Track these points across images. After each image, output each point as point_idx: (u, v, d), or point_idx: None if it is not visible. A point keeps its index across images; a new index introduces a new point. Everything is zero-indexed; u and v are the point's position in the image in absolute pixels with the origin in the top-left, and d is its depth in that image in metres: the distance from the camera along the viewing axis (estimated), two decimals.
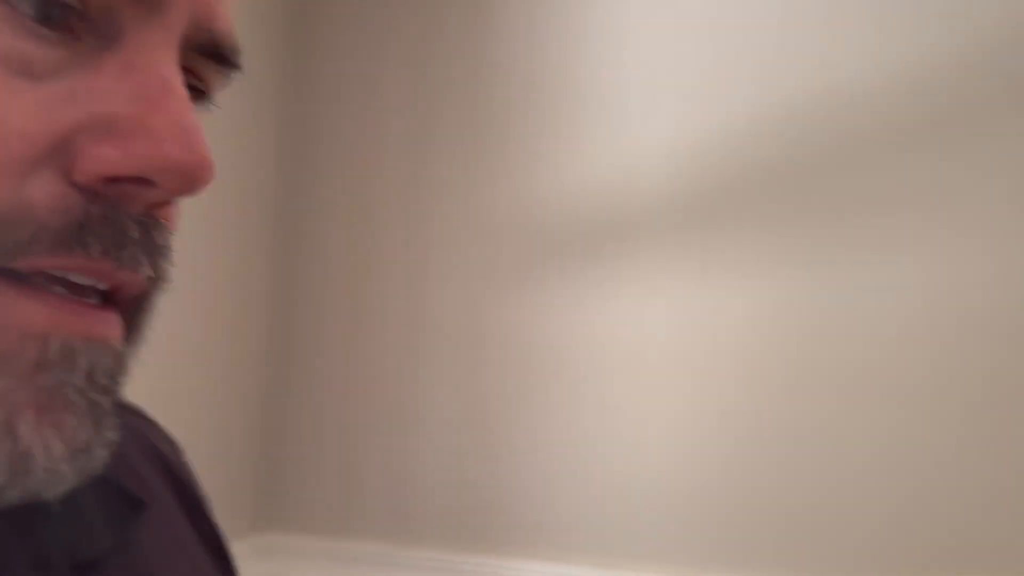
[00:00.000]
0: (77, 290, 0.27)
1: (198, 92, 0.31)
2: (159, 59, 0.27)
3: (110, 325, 0.28)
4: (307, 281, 1.60)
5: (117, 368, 0.28)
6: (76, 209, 0.26)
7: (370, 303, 1.56)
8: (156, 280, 0.29)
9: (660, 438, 1.38)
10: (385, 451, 1.52)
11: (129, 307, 0.29)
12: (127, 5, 0.27)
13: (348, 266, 1.58)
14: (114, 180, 0.26)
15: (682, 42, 1.41)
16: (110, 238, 0.26)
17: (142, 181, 0.27)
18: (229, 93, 0.33)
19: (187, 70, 0.30)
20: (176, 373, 1.37)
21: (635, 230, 1.42)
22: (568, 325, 1.44)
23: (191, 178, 0.27)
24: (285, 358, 1.60)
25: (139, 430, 0.43)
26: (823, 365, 1.30)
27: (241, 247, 1.53)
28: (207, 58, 0.30)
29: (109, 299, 0.28)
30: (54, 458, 0.26)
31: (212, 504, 0.46)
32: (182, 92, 0.27)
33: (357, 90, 1.59)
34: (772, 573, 1.30)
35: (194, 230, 1.41)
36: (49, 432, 0.26)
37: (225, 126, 1.43)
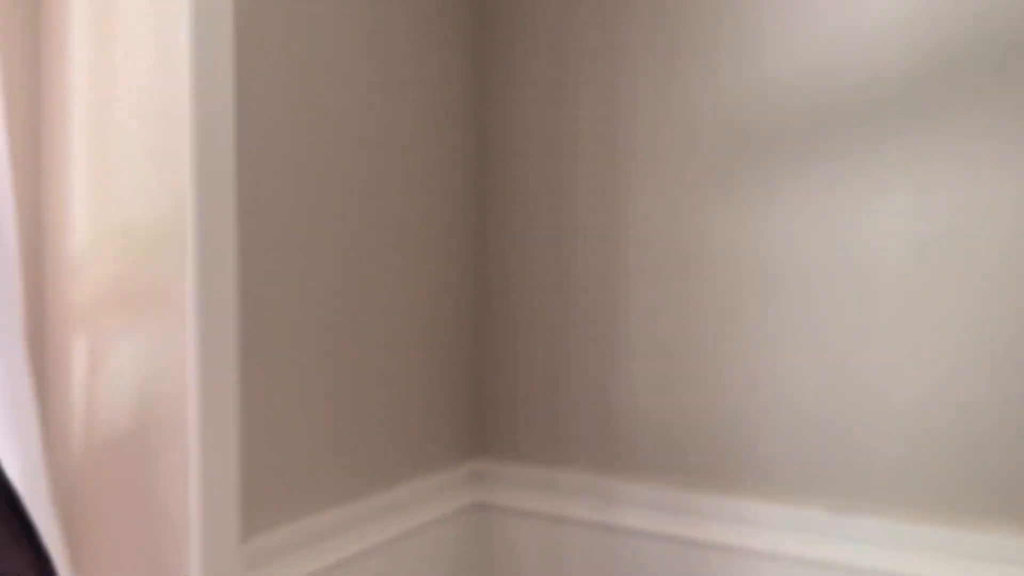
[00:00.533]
0: None
1: None
2: None
3: None
4: (509, 208, 1.57)
5: None
6: None
7: (571, 227, 1.51)
8: None
9: (904, 365, 1.25)
10: (593, 379, 1.49)
11: None
12: None
13: (547, 188, 1.53)
14: None
15: None
16: None
17: None
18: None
19: None
20: (390, 310, 1.42)
21: (865, 115, 1.25)
22: (785, 234, 1.32)
23: None
24: (492, 289, 1.59)
25: None
26: None
27: (443, 178, 1.55)
28: None
29: None
30: None
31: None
32: None
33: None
34: None
35: (400, 160, 1.45)
36: None
37: (422, 41, 1.47)
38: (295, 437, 1.25)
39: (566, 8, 1.52)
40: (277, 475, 1.22)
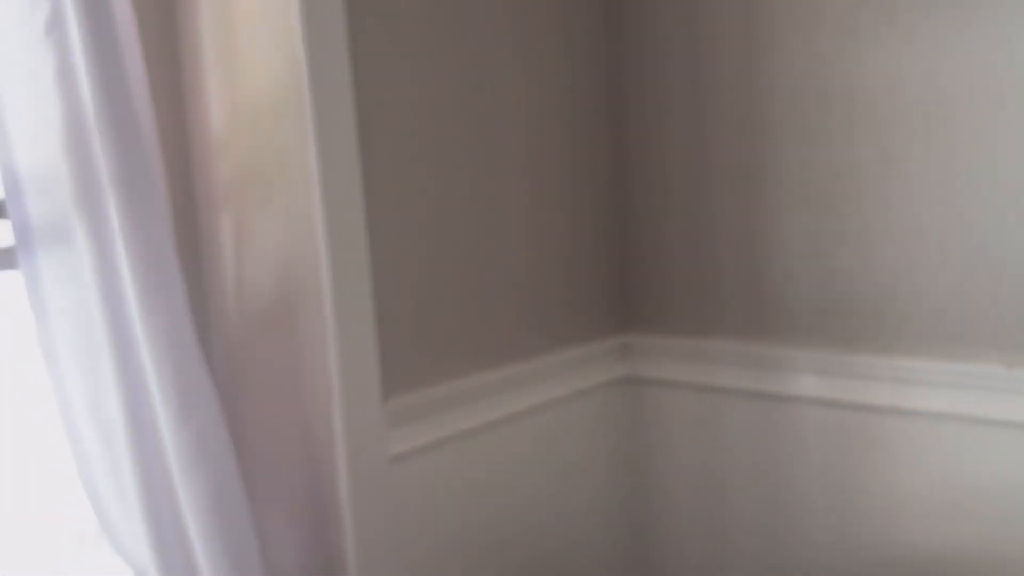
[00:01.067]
0: None
1: None
2: None
3: None
4: (646, 63, 1.48)
5: None
6: None
7: (711, 82, 1.41)
8: None
9: None
10: (742, 241, 1.42)
11: None
12: None
13: (685, 39, 1.43)
14: None
15: None
16: None
17: None
18: None
19: None
20: (528, 179, 1.42)
21: None
22: (949, 67, 1.18)
23: None
24: (632, 153, 1.53)
25: None
26: None
27: (581, 31, 1.50)
28: None
29: None
30: None
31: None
32: None
33: None
34: None
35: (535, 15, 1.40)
36: None
37: None
38: (432, 302, 1.28)
39: None
40: (417, 339, 1.25)
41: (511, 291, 1.39)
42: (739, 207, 1.42)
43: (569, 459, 1.49)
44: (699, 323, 1.50)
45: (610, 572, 1.57)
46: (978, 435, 1.21)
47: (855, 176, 1.30)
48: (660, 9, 1.47)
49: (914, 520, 1.29)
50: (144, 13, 1.14)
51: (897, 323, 1.28)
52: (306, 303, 1.15)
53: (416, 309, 1.26)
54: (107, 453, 1.08)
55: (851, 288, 1.32)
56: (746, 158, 1.40)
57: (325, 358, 1.14)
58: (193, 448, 1.04)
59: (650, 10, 1.48)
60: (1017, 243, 1.17)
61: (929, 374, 1.25)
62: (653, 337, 1.56)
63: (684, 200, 1.49)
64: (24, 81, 1.02)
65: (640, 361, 1.57)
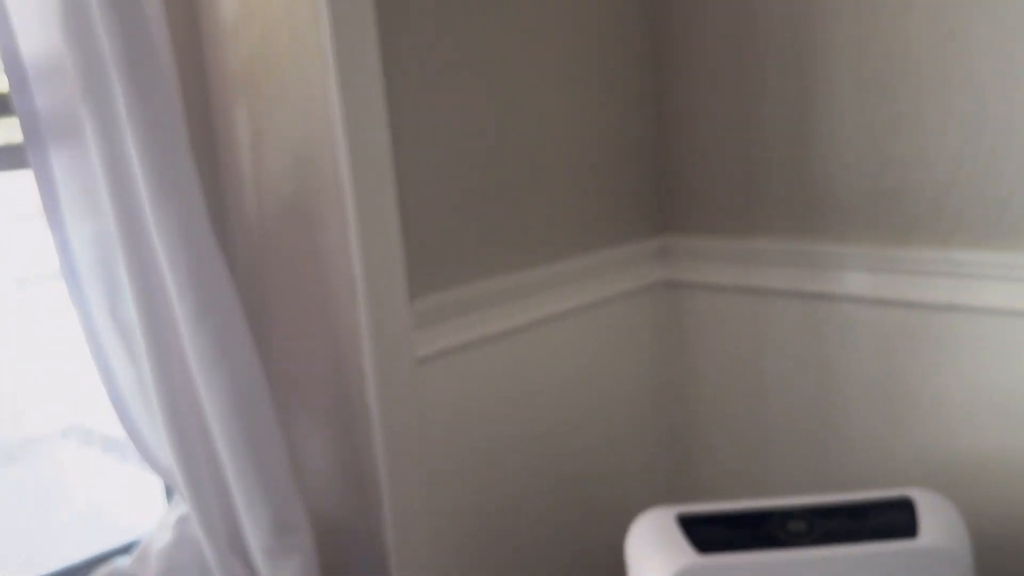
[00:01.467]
0: None
1: None
2: None
3: None
4: None
5: None
6: None
7: None
8: None
9: None
10: (789, 133, 1.34)
11: None
12: None
13: None
14: None
15: None
16: None
17: None
18: None
19: None
20: (573, 77, 1.36)
21: None
22: None
23: None
24: (674, 47, 1.44)
25: None
26: None
27: None
28: None
29: None
30: None
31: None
32: None
33: None
34: None
35: None
36: None
37: None
38: (461, 199, 1.22)
39: None
40: (445, 237, 1.20)
41: (544, 188, 1.33)
42: (786, 93, 1.33)
43: (604, 364, 1.44)
44: (742, 221, 1.43)
45: (645, 476, 1.54)
46: None
47: (912, 56, 1.20)
48: None
49: (968, 423, 1.22)
50: None
51: (955, 214, 1.20)
52: (327, 198, 1.10)
53: (444, 206, 1.20)
54: (126, 353, 1.05)
55: (906, 178, 1.24)
56: (793, 38, 1.30)
57: (348, 255, 1.09)
58: (212, 346, 1.00)
59: None
60: None
61: (989, 267, 1.16)
62: (693, 238, 1.49)
63: (727, 87, 1.40)
64: None
65: (679, 263, 1.50)
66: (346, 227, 1.08)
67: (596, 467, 1.44)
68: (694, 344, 1.52)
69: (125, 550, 1.20)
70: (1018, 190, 1.14)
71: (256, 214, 1.17)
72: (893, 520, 1.01)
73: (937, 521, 1.01)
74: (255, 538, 1.07)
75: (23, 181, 1.08)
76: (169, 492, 1.24)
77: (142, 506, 1.35)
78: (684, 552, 1.00)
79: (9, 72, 0.99)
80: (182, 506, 1.14)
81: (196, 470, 1.06)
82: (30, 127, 1.01)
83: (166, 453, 1.07)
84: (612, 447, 1.47)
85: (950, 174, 1.20)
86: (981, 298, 1.18)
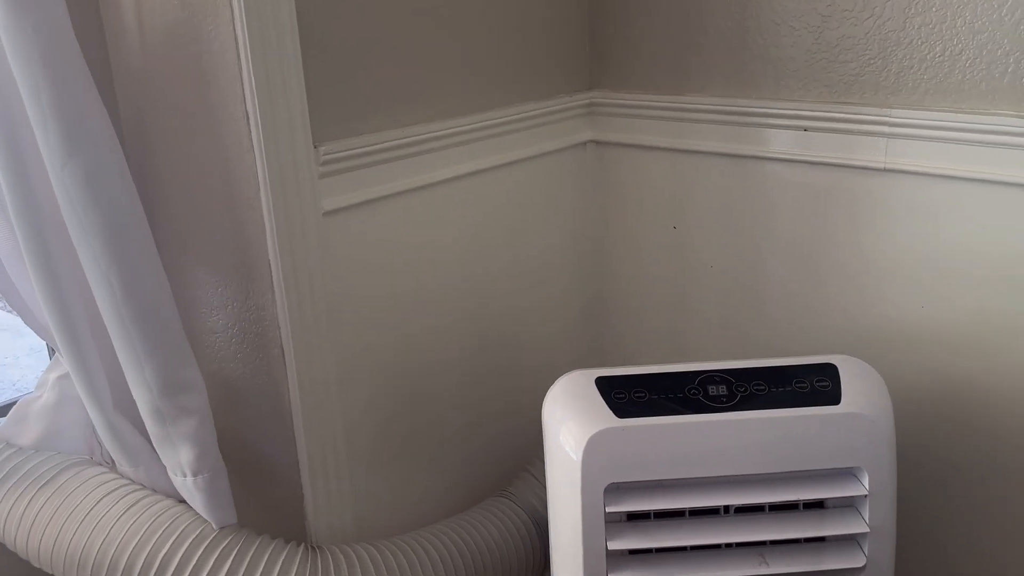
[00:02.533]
0: None
1: None
2: None
3: None
4: None
5: None
6: None
7: None
8: None
9: None
10: None
11: None
12: None
13: None
14: None
15: None
16: None
17: None
18: None
19: None
20: None
21: None
22: None
23: None
24: None
25: None
26: None
27: None
28: None
29: None
30: None
31: None
32: None
33: None
34: None
35: None
36: None
37: None
38: (376, 35, 1.09)
39: None
40: (355, 76, 1.08)
41: (465, 33, 1.21)
42: None
43: (526, 225, 1.37)
44: (675, 78, 1.34)
45: (567, 340, 1.50)
46: (986, 198, 1.10)
47: None
48: None
49: (896, 290, 1.20)
50: None
51: (899, 71, 1.13)
52: (217, 27, 0.96)
53: (354, 38, 1.07)
54: None
55: (851, 32, 1.16)
56: None
57: (241, 91, 0.97)
58: (84, 185, 0.88)
59: None
60: None
61: (930, 129, 1.11)
62: (624, 94, 1.39)
63: None
64: None
65: (608, 122, 1.42)
66: (238, 59, 0.96)
67: (516, 329, 1.39)
68: (620, 205, 1.45)
69: (1, 412, 1.11)
70: (968, 47, 1.08)
71: (138, 46, 1.03)
72: (815, 386, 0.99)
73: (859, 387, 0.98)
74: (143, 399, 0.99)
75: None
76: (51, 351, 1.14)
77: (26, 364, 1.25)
78: (601, 416, 0.96)
79: None
80: (64, 364, 1.05)
81: (73, 326, 0.96)
82: None
83: (40, 308, 0.97)
84: (534, 309, 1.41)
85: (898, 28, 1.12)
86: (919, 161, 1.13)
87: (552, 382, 1.02)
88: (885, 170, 1.16)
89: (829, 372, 1.00)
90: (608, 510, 0.94)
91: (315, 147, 1.03)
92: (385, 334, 1.18)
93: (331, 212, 1.06)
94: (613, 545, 0.95)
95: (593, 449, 0.94)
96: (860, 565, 0.97)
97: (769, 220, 1.29)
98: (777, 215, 1.28)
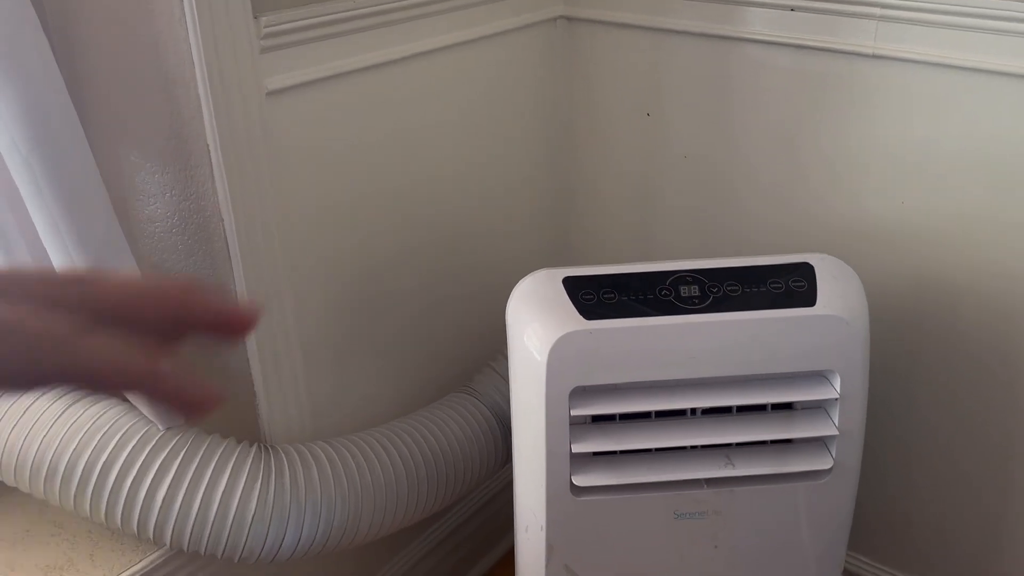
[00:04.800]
0: None
1: None
2: None
3: None
4: None
5: None
6: None
7: None
8: None
9: None
10: None
11: None
12: None
13: None
14: None
15: None
16: None
17: None
18: None
19: None
20: None
21: None
22: None
23: None
24: None
25: None
26: None
27: None
28: None
29: None
30: None
31: None
32: None
33: None
34: None
35: None
36: None
37: None
38: None
39: None
40: None
41: None
42: None
43: (492, 107, 1.28)
44: None
45: (534, 233, 1.44)
46: (982, 89, 1.04)
47: None
48: None
49: (880, 184, 1.15)
50: None
51: None
52: None
53: None
54: None
55: None
56: None
57: None
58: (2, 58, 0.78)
59: None
60: None
61: (928, 11, 1.04)
62: None
63: None
64: None
65: None
66: None
67: (480, 221, 1.33)
68: (592, 89, 1.36)
69: None
70: None
71: None
72: (791, 286, 0.95)
73: (836, 288, 0.94)
74: None
75: None
76: None
77: None
78: (568, 317, 0.91)
79: None
80: None
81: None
82: None
83: None
84: (498, 200, 1.35)
85: None
86: (911, 47, 1.06)
87: (518, 278, 0.97)
88: (874, 56, 1.09)
89: (805, 272, 0.96)
90: (573, 413, 0.91)
91: (255, 17, 0.93)
92: (340, 227, 1.11)
93: (276, 92, 0.97)
94: (577, 448, 0.92)
95: (558, 352, 0.90)
96: (827, 467, 0.95)
97: (749, 108, 1.22)
98: (757, 103, 1.21)
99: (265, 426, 1.08)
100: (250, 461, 1.02)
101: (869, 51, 1.09)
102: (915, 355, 1.20)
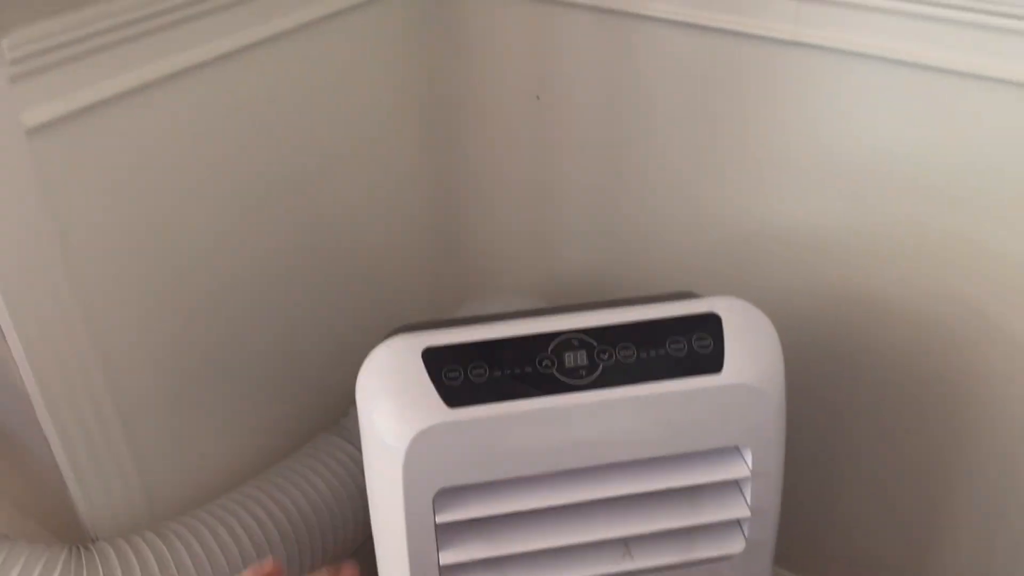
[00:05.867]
0: None
1: None
2: None
3: None
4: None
5: None
6: None
7: None
8: None
9: None
10: None
11: None
12: None
13: None
14: None
15: None
16: None
17: None
18: None
19: None
20: None
21: None
22: None
23: None
24: None
25: None
26: None
27: None
28: None
29: None
30: None
31: None
32: None
33: None
34: None
35: None
36: None
37: None
38: None
39: None
40: None
41: None
42: None
43: (343, 102, 1.07)
44: None
45: (409, 239, 1.26)
46: (917, 85, 0.88)
47: None
48: None
49: (804, 190, 1.00)
50: None
51: None
52: None
53: None
54: None
55: None
56: None
57: None
58: None
59: None
60: None
61: None
62: None
63: None
64: None
65: None
66: None
67: (345, 233, 1.14)
68: (470, 70, 1.16)
69: None
70: None
71: None
72: (694, 346, 0.79)
73: (746, 345, 0.79)
74: None
75: None
76: None
77: None
78: (429, 404, 0.74)
79: None
80: None
81: None
82: None
83: None
84: (366, 205, 1.15)
85: None
86: (836, 34, 0.89)
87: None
88: (794, 42, 0.92)
89: (711, 326, 0.81)
90: (439, 520, 0.76)
91: None
92: (153, 266, 0.91)
93: (38, 129, 0.75)
94: (447, 558, 0.77)
95: (418, 450, 0.74)
96: (739, 550, 0.83)
97: (650, 95, 1.04)
98: (660, 90, 1.03)
99: (87, 520, 0.90)
100: (58, 570, 0.84)
101: (788, 36, 0.92)
102: (835, 377, 1.08)
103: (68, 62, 0.75)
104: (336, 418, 1.14)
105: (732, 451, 0.81)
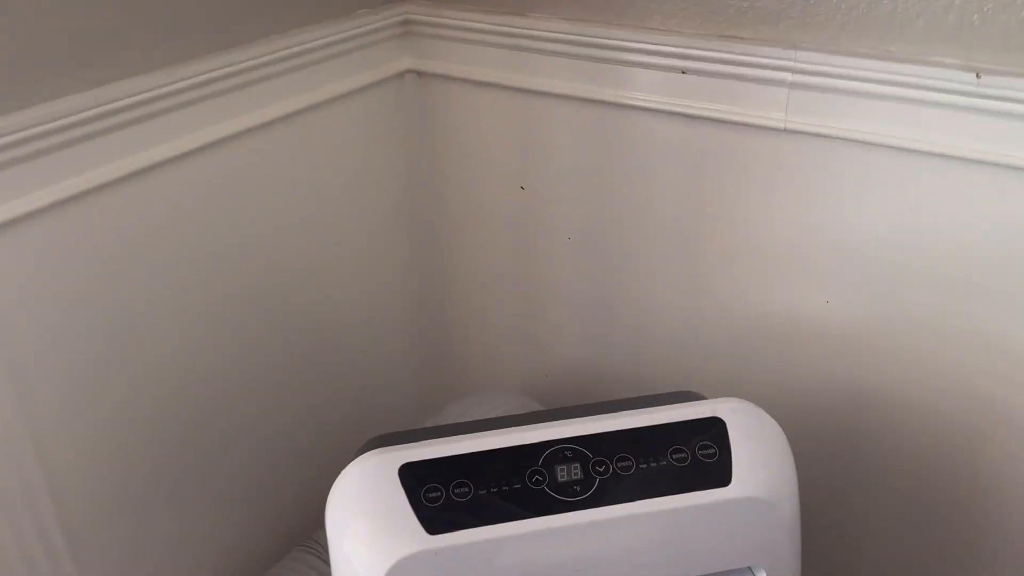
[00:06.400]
0: None
1: None
2: None
3: None
4: None
5: None
6: None
7: None
8: None
9: None
10: None
11: None
12: None
13: None
14: None
15: None
16: None
17: None
18: None
19: None
20: None
21: None
22: None
23: None
24: None
25: None
26: None
27: None
28: None
29: None
30: None
31: None
32: None
33: None
34: None
35: None
36: None
37: None
38: None
39: None
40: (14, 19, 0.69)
41: None
42: None
43: (327, 195, 1.03)
44: None
45: (397, 331, 1.20)
46: (913, 172, 0.84)
47: None
48: None
49: (804, 281, 0.95)
50: None
51: (807, 2, 0.84)
52: None
53: None
54: None
55: None
56: None
57: None
58: None
59: None
60: None
61: (850, 79, 0.83)
62: (445, 9, 1.04)
63: None
64: None
65: (429, 46, 1.07)
66: None
67: (327, 328, 1.08)
68: (453, 160, 1.13)
69: None
70: None
71: None
72: (698, 455, 0.73)
73: (754, 454, 0.73)
74: None
75: None
76: None
77: None
78: (407, 530, 0.67)
79: None
80: None
81: None
82: None
83: None
84: (349, 304, 1.10)
85: None
86: (830, 121, 0.85)
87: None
88: (785, 130, 0.88)
89: (715, 433, 0.74)
90: None
91: None
92: (112, 374, 0.84)
93: (3, 226, 0.69)
94: None
95: None
96: None
97: (639, 185, 1.00)
98: (648, 181, 1.00)
99: None
100: None
101: (780, 124, 0.88)
102: (846, 471, 1.01)
103: (43, 153, 0.70)
104: (310, 531, 1.05)
105: (744, 573, 0.73)
